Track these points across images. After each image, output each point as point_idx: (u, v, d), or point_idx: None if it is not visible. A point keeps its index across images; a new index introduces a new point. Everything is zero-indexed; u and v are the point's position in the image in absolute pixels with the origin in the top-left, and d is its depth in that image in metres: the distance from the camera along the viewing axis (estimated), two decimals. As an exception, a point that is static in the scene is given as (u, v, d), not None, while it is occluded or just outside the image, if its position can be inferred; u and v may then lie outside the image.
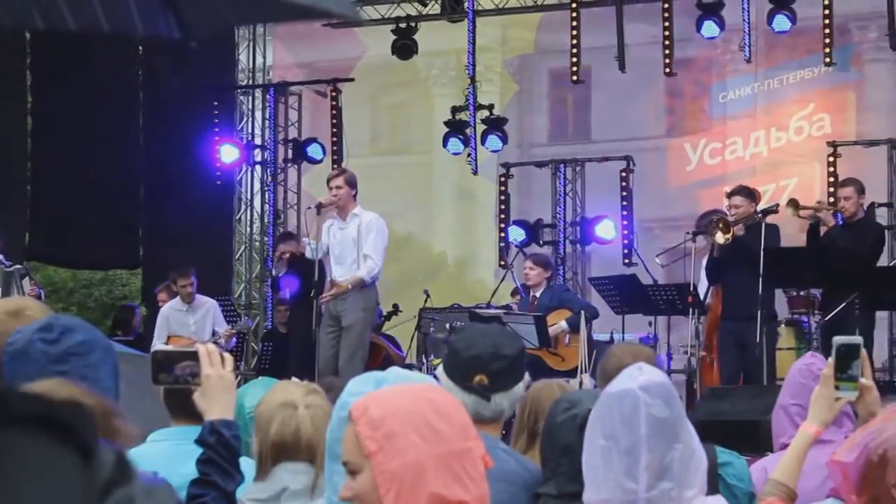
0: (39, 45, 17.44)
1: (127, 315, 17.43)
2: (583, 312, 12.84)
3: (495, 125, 17.80)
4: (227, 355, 3.79)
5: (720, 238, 11.92)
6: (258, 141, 18.91)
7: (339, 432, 2.87)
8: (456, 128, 17.80)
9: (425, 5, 18.50)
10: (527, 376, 4.17)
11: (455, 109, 17.94)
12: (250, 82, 19.36)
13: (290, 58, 21.34)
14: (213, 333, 14.49)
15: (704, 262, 12.59)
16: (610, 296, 13.47)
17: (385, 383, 2.89)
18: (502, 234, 17.42)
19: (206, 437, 3.68)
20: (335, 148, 18.03)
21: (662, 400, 3.16)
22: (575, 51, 17.06)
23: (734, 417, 9.43)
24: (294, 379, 4.36)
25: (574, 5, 17.15)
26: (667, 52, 16.64)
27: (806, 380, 4.65)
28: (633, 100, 19.55)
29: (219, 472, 3.67)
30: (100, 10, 2.63)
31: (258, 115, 19.06)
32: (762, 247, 11.57)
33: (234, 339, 15.36)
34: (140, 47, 18.22)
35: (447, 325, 13.24)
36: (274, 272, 16.18)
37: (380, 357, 13.99)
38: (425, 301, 15.33)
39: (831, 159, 16.06)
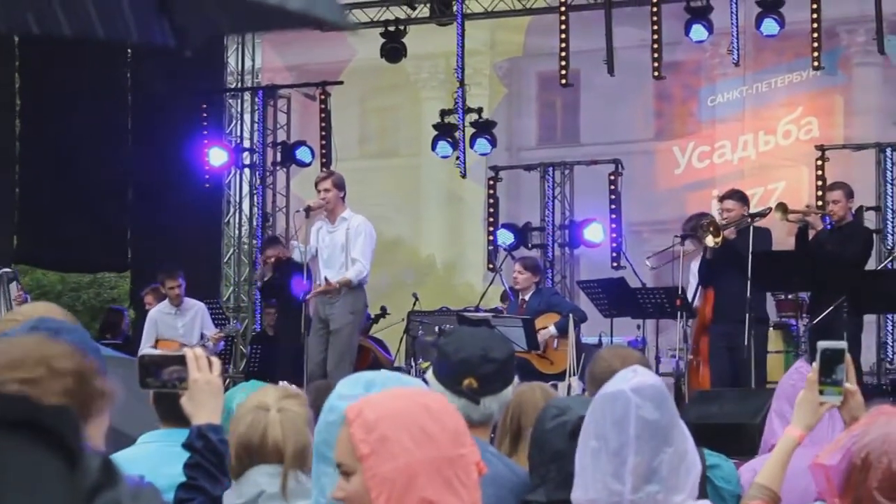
0: (28, 48, 17.43)
1: (115, 318, 17.42)
2: (571, 316, 12.85)
3: (484, 128, 17.80)
4: (214, 359, 3.78)
5: (710, 241, 11.93)
6: (247, 144, 18.91)
7: (326, 434, 2.86)
8: (445, 131, 17.80)
9: (414, 8, 18.51)
10: (516, 380, 4.17)
11: (444, 112, 17.95)
12: (239, 85, 19.35)
13: (278, 61, 21.32)
14: (202, 336, 14.47)
15: (693, 265, 12.60)
16: (598, 299, 13.47)
17: (374, 385, 2.88)
18: (491, 238, 17.42)
19: (193, 441, 3.67)
20: (324, 151, 18.03)
21: (653, 402, 3.16)
22: (564, 54, 17.07)
23: (722, 420, 9.44)
24: (283, 383, 4.34)
25: (563, 9, 17.15)
26: (655, 55, 16.65)
27: (798, 384, 4.66)
28: (621, 103, 19.55)
29: (206, 477, 3.66)
30: (95, 16, 2.63)
31: (247, 117, 19.06)
32: (751, 250, 11.58)
33: (223, 342, 15.34)
34: (129, 50, 18.20)
35: (436, 329, 13.26)
36: (258, 277, 16.12)
37: (368, 360, 13.99)
38: (414, 304, 15.34)
39: (819, 163, 16.08)
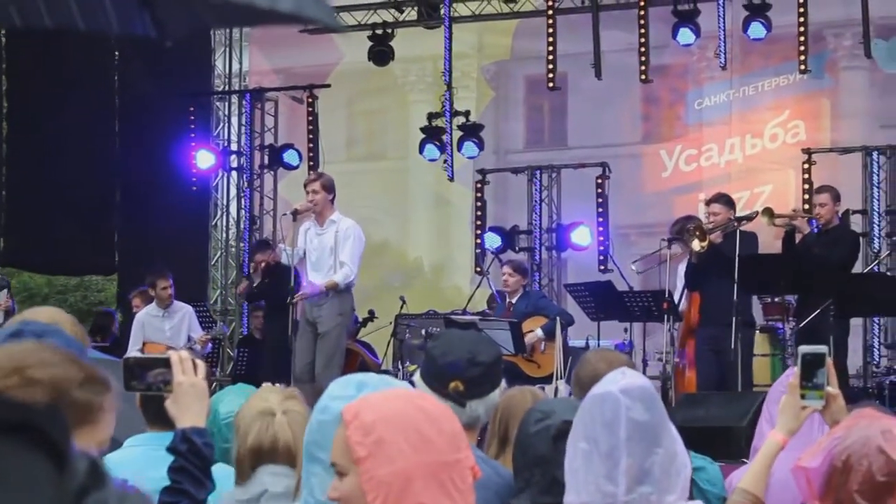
0: (15, 49, 17.41)
1: (105, 321, 17.37)
2: (558, 319, 12.86)
3: (471, 131, 17.81)
4: (199, 362, 3.77)
5: (696, 245, 11.93)
6: (234, 147, 18.88)
7: (317, 435, 2.87)
8: (432, 134, 17.80)
9: (402, 12, 18.52)
10: (503, 383, 4.18)
11: (431, 116, 17.95)
12: (226, 88, 19.34)
13: (266, 63, 21.33)
14: (189, 339, 14.46)
15: (680, 268, 12.61)
16: (585, 302, 13.47)
17: (366, 386, 2.89)
18: (478, 241, 17.43)
19: (177, 444, 3.66)
20: (311, 154, 18.02)
21: (643, 404, 3.16)
22: (551, 57, 17.09)
23: (709, 423, 9.47)
24: (265, 385, 4.35)
25: (550, 12, 17.17)
26: (643, 58, 16.66)
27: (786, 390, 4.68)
28: (609, 106, 19.59)
29: (190, 481, 3.65)
30: (75, 8, 2.63)
31: (234, 120, 19.03)
32: (737, 254, 11.59)
33: (210, 345, 15.33)
34: (116, 52, 18.19)
35: (423, 332, 13.24)
36: (242, 289, 16.08)
37: (355, 363, 13.97)
38: (401, 307, 15.32)
39: (806, 166, 16.12)
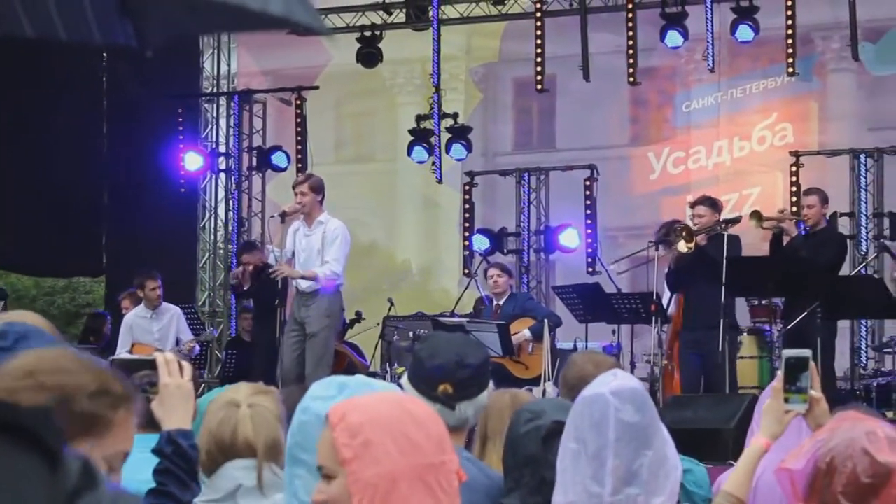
0: (2, 51, 17.36)
1: (98, 323, 17.34)
2: (546, 321, 12.86)
3: (460, 133, 17.82)
4: (185, 364, 3.77)
5: (683, 247, 11.95)
6: (222, 149, 18.87)
7: (300, 437, 2.87)
8: (420, 136, 17.81)
9: (390, 14, 18.53)
10: (491, 385, 4.19)
11: (420, 118, 17.95)
12: (215, 90, 19.33)
13: (254, 65, 21.29)
14: (177, 342, 14.46)
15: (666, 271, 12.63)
16: (573, 304, 13.49)
17: (348, 388, 2.89)
18: (466, 243, 17.43)
19: (162, 447, 3.66)
20: (300, 156, 18.02)
21: (633, 405, 3.17)
22: (539, 59, 17.12)
23: (696, 426, 9.48)
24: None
25: (538, 14, 17.20)
26: (631, 61, 16.69)
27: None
28: (597, 109, 19.58)
29: (175, 483, 3.65)
30: (57, 17, 2.63)
31: (222, 122, 19.02)
32: (724, 256, 11.60)
33: (198, 348, 15.31)
34: (104, 54, 18.16)
35: (411, 334, 13.25)
36: (232, 276, 16.01)
37: (343, 365, 13.96)
38: (389, 309, 15.33)
39: (794, 169, 16.15)
